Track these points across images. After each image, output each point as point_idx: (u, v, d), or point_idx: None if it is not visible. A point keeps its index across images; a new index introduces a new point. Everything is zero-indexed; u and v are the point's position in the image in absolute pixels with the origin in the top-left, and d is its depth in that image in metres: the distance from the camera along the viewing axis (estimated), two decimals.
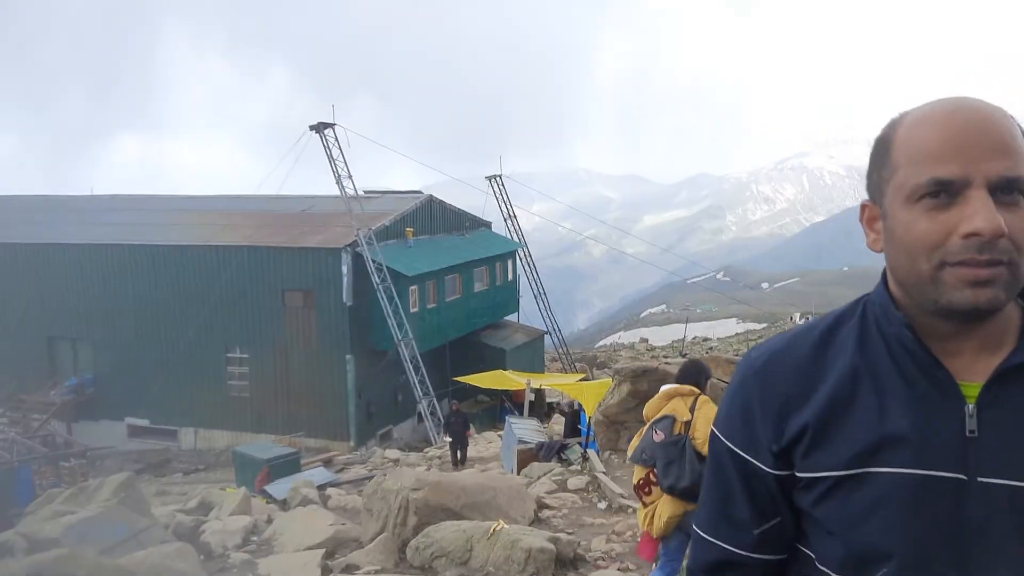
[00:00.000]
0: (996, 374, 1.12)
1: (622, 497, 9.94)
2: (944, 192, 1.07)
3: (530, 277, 33.88)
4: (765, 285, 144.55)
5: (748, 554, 1.29)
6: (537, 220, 45.97)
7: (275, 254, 26.22)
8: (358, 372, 25.58)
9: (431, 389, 25.39)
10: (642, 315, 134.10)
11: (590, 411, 14.42)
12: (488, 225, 34.34)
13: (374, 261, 24.76)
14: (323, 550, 8.26)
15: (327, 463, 19.91)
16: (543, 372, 30.75)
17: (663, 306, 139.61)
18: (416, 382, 25.11)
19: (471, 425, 18.75)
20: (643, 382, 12.86)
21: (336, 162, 26.47)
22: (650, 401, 5.30)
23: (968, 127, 1.07)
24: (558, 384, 22.10)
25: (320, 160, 26.41)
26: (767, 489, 1.25)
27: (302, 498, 12.59)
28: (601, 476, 11.03)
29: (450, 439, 17.57)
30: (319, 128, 26.41)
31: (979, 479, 1.10)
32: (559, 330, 34.30)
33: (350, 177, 26.57)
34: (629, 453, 3.40)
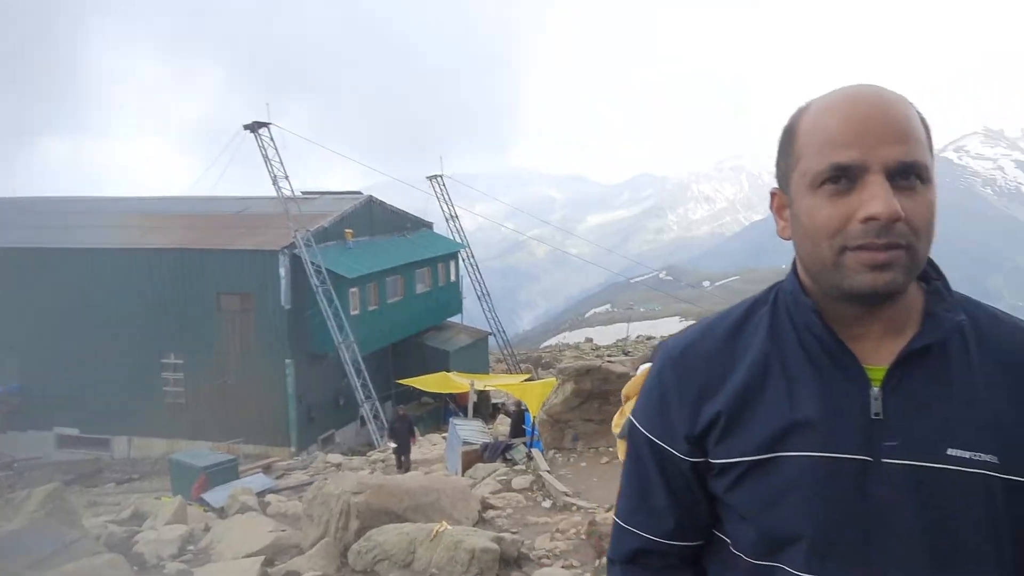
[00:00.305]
0: (899, 358, 1.15)
1: (566, 495, 9.97)
2: (844, 178, 1.09)
3: (473, 278, 33.86)
4: (706, 284, 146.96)
5: (667, 541, 1.32)
6: (480, 220, 45.94)
7: (209, 256, 25.61)
8: (298, 376, 25.17)
9: (373, 392, 25.12)
10: (587, 315, 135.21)
11: (534, 411, 14.43)
12: (430, 226, 34.17)
13: (313, 263, 24.39)
14: (262, 557, 8.08)
15: (267, 469, 19.62)
16: (487, 373, 30.71)
17: (607, 306, 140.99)
18: (358, 385, 24.82)
19: (416, 430, 18.51)
20: (587, 381, 12.92)
21: (272, 162, 26.00)
22: (631, 380, 5.33)
23: (866, 114, 1.09)
24: (502, 385, 22.08)
25: (256, 160, 25.96)
26: (683, 477, 1.27)
27: (241, 505, 12.36)
28: (545, 475, 11.04)
29: (394, 444, 17.33)
30: (254, 127, 25.91)
31: (884, 460, 1.12)
32: (503, 331, 34.32)
33: (287, 177, 26.15)
34: (615, 430, 3.43)
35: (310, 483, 13.71)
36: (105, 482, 23.05)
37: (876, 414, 1.13)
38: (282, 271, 24.80)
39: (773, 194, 1.25)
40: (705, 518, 1.29)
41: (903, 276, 1.09)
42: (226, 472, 16.03)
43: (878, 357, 1.16)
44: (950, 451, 1.11)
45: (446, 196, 33.35)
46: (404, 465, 16.69)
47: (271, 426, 24.92)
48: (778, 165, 1.22)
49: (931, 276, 1.23)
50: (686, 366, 1.27)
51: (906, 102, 1.12)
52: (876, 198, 1.06)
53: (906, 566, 1.11)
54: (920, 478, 1.11)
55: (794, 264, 1.23)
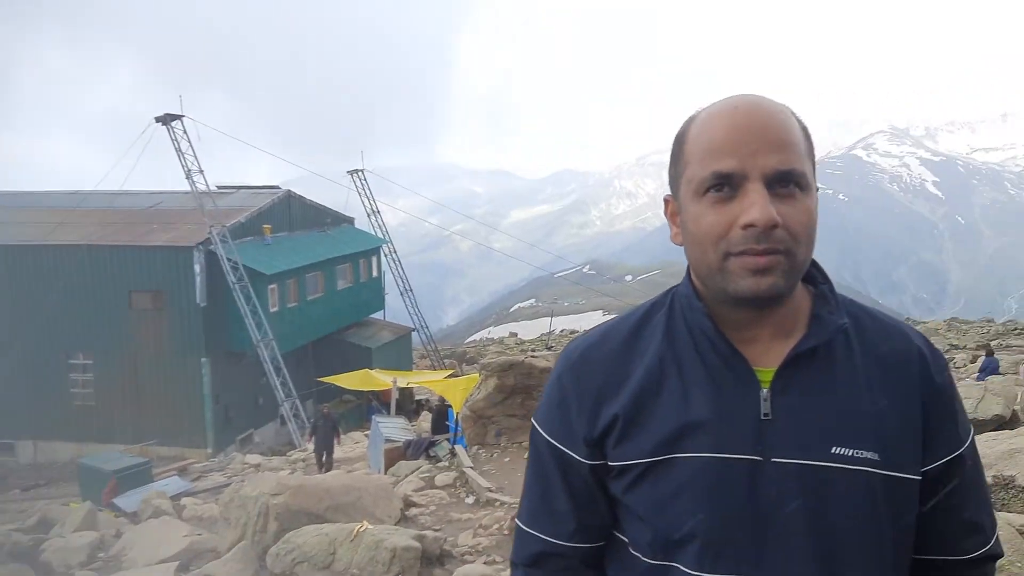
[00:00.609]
0: (787, 359, 1.19)
1: (490, 491, 10.00)
2: (726, 185, 1.13)
3: (396, 274, 33.56)
4: (629, 277, 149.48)
5: (568, 544, 1.33)
6: (403, 216, 45.64)
7: (120, 253, 24.69)
8: (215, 375, 24.52)
9: (294, 391, 24.68)
10: (511, 309, 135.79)
11: (458, 407, 14.42)
12: (351, 221, 33.71)
13: (229, 259, 23.78)
14: (176, 563, 7.89)
15: (182, 472, 19.10)
16: (411, 370, 30.51)
17: (532, 300, 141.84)
18: (278, 384, 24.34)
19: (339, 429, 18.20)
20: (510, 376, 12.98)
21: (185, 156, 25.18)
22: None
23: (746, 124, 1.12)
24: (425, 381, 21.97)
25: (168, 154, 25.08)
26: (583, 479, 1.29)
27: (154, 510, 12.05)
28: (469, 471, 11.05)
29: (315, 444, 16.99)
30: (166, 120, 25.03)
31: (773, 459, 1.16)
32: (427, 327, 34.15)
33: (201, 172, 25.33)
34: None
35: (227, 485, 13.42)
36: (9, 488, 22.03)
37: (765, 415, 1.17)
38: (197, 268, 24.08)
39: (666, 201, 1.29)
40: (605, 520, 1.31)
41: (783, 280, 1.12)
42: (139, 476, 15.57)
43: (768, 359, 1.20)
44: (834, 449, 1.15)
45: (367, 191, 32.96)
46: (326, 465, 16.45)
47: (186, 427, 24.23)
48: (670, 173, 1.26)
49: (818, 280, 1.27)
50: (585, 370, 1.28)
51: (786, 112, 1.16)
52: (754, 205, 1.09)
53: (794, 561, 1.15)
54: (806, 476, 1.15)
55: (688, 269, 1.27)
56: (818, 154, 1.21)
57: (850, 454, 1.15)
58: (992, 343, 24.12)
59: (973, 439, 1.29)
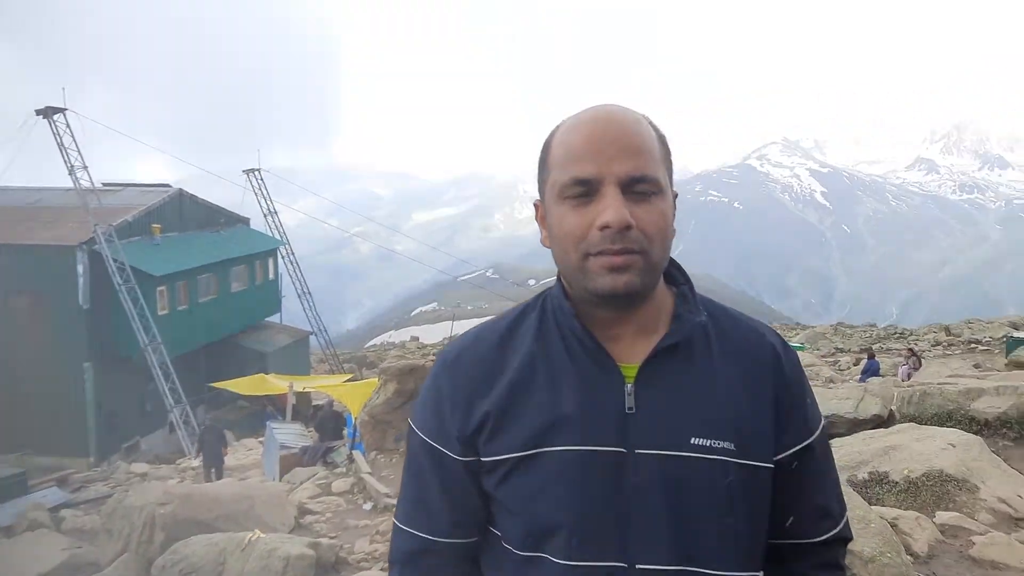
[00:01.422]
0: (650, 356, 1.26)
1: (388, 497, 9.92)
2: (585, 189, 1.21)
3: (293, 276, 32.80)
4: (532, 282, 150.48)
5: (443, 540, 1.37)
6: (301, 217, 44.62)
7: None
8: (98, 381, 23.37)
9: (183, 397, 23.76)
10: (413, 313, 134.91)
11: (356, 412, 14.23)
12: (246, 222, 32.68)
13: (115, 260, 22.71)
14: None
15: (61, 482, 18.15)
16: (308, 375, 29.87)
17: (434, 304, 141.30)
18: (167, 389, 23.38)
19: (226, 441, 17.46)
20: (409, 381, 12.90)
21: (68, 151, 23.88)
22: None
23: (603, 133, 1.21)
24: (323, 386, 21.55)
25: (50, 149, 23.76)
26: (458, 476, 1.33)
27: (30, 522, 11.49)
28: (367, 477, 10.94)
29: (203, 459, 16.11)
30: (47, 113, 23.68)
31: (636, 451, 1.23)
32: (325, 330, 33.49)
33: (85, 168, 24.06)
34: None
35: (111, 495, 12.86)
36: None
37: (629, 408, 1.24)
38: (80, 268, 22.90)
39: (536, 206, 1.35)
40: (479, 516, 1.35)
41: (639, 278, 1.20)
42: (13, 487, 14.75)
43: (632, 356, 1.27)
44: (693, 440, 1.23)
45: (264, 191, 32.05)
46: (216, 479, 15.89)
47: (67, 435, 22.94)
48: (538, 179, 1.32)
49: (679, 280, 1.36)
50: (459, 370, 1.33)
51: (642, 122, 1.25)
52: (609, 208, 1.17)
53: (656, 547, 1.22)
54: (667, 466, 1.22)
55: (559, 272, 1.33)
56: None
57: (708, 444, 1.23)
58: (874, 346, 25.58)
59: (824, 429, 1.39)
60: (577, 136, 1.23)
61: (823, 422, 1.39)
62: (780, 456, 1.30)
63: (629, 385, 1.25)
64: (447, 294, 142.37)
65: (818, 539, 1.37)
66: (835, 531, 1.38)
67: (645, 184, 1.20)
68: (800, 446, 1.32)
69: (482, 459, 1.30)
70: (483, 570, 1.40)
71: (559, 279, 1.34)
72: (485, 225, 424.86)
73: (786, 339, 1.44)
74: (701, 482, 1.22)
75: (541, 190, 1.31)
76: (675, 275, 1.36)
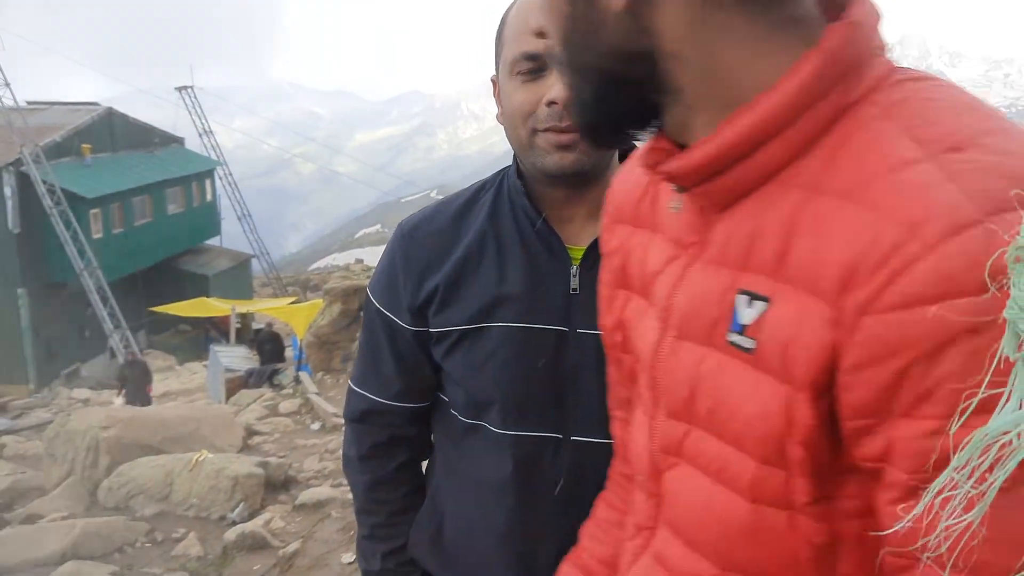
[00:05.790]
0: (596, 238, 1.26)
1: (335, 416, 10.02)
2: (535, 65, 1.21)
3: (232, 198, 32.06)
4: None
5: (393, 403, 1.44)
6: (239, 137, 43.57)
7: None
8: (34, 307, 22.80)
9: (123, 322, 23.35)
10: (356, 236, 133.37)
11: (301, 334, 14.22)
12: (181, 142, 31.57)
13: (45, 181, 21.87)
14: None
15: (1, 409, 17.82)
16: (251, 298, 29.57)
17: (378, 226, 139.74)
18: (105, 315, 22.92)
19: (152, 376, 16.08)
20: (354, 301, 12.90)
21: None
22: None
23: None
24: (267, 308, 21.41)
25: None
26: (409, 345, 1.40)
27: None
28: (314, 397, 11.02)
29: (125, 398, 14.51)
30: None
31: (578, 330, 1.27)
32: (267, 253, 33.06)
33: (8, 85, 22.96)
34: None
35: (52, 421, 12.74)
36: None
37: (574, 289, 1.28)
38: (8, 191, 22.01)
39: (493, 82, 1.35)
40: (429, 383, 1.43)
41: (587, 157, 1.21)
42: None
43: (580, 238, 1.30)
44: None
45: (198, 110, 30.98)
46: None
47: (4, 362, 22.49)
48: (495, 54, 1.33)
49: None
50: (414, 243, 1.37)
51: None
52: (557, 83, 1.16)
53: (588, 420, 1.27)
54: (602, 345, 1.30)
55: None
56: None
57: None
58: None
59: None
60: (530, 11, 1.21)
61: None
62: None
63: (575, 266, 1.28)
64: (391, 216, 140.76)
65: None
66: None
67: None
68: None
69: (431, 330, 1.35)
70: (433, 431, 1.50)
71: (515, 158, 1.35)
72: (428, 145, 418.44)
73: None
74: None
75: (497, 65, 1.32)
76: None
